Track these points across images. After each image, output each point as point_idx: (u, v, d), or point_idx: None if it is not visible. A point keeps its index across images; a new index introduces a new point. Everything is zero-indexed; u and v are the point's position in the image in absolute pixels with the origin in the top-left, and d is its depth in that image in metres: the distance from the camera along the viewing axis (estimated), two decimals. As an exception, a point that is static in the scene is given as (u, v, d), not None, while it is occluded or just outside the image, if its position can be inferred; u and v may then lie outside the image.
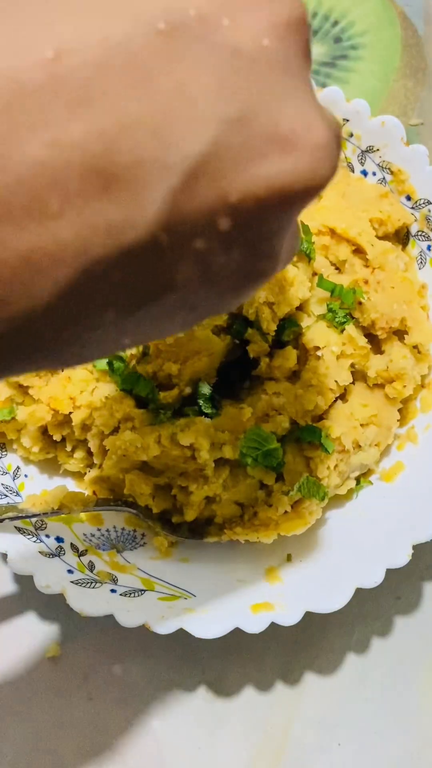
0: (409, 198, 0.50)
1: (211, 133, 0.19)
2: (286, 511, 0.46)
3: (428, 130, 0.60)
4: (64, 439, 0.48)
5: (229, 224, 0.20)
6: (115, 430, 0.46)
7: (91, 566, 0.46)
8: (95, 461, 0.48)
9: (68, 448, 0.48)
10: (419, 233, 0.50)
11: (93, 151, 0.18)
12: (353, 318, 0.48)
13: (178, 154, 0.19)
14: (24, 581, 0.44)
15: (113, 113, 0.18)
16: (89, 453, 0.48)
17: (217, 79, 0.19)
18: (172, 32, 0.19)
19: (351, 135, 0.51)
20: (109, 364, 0.46)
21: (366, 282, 0.48)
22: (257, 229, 0.21)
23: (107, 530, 0.48)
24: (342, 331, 0.47)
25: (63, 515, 0.46)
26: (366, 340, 0.48)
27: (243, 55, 0.20)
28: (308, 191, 0.21)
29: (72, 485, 0.49)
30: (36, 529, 0.46)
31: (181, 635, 0.44)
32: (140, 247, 0.20)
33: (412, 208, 0.50)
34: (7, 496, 0.46)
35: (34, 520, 0.46)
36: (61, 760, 0.48)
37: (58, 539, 0.46)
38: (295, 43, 0.21)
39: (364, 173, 0.51)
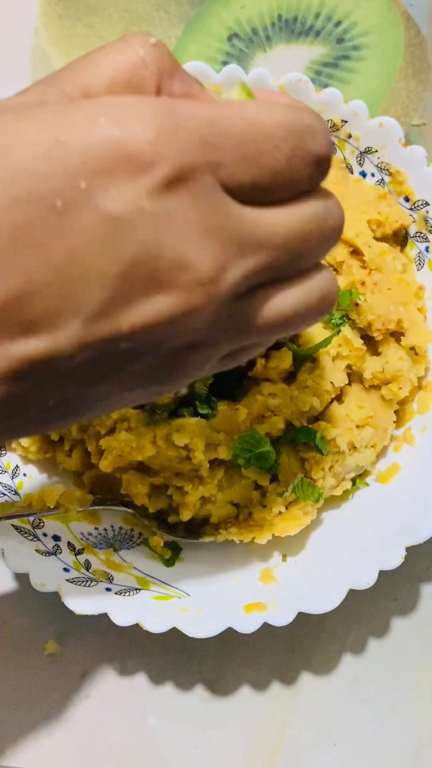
0: (407, 199, 0.50)
1: (98, 289, 0.25)
2: (280, 512, 0.46)
3: (430, 130, 0.60)
4: (62, 439, 0.49)
5: (128, 345, 0.26)
6: (112, 431, 0.46)
7: (87, 565, 0.46)
8: (92, 461, 0.48)
9: (66, 448, 0.49)
10: (417, 234, 0.50)
11: (10, 307, 0.24)
12: (350, 319, 0.48)
13: (78, 306, 0.25)
14: (22, 579, 0.45)
15: (22, 279, 0.24)
16: (86, 453, 0.49)
17: (101, 243, 0.24)
18: (65, 209, 0.24)
19: (350, 136, 0.51)
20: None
21: (363, 283, 0.48)
22: (153, 347, 0.26)
23: (104, 529, 0.49)
24: (338, 332, 0.47)
25: (60, 514, 0.46)
26: (362, 341, 0.48)
27: (124, 219, 0.24)
28: (180, 325, 0.26)
29: (70, 484, 0.50)
30: (33, 528, 0.46)
31: (179, 634, 0.44)
32: (56, 368, 0.26)
33: (411, 209, 0.50)
34: (5, 494, 0.47)
35: (31, 518, 0.46)
36: (59, 758, 0.49)
37: (55, 538, 0.47)
38: (180, 196, 0.25)
39: (363, 174, 0.51)
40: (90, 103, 0.25)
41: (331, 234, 0.29)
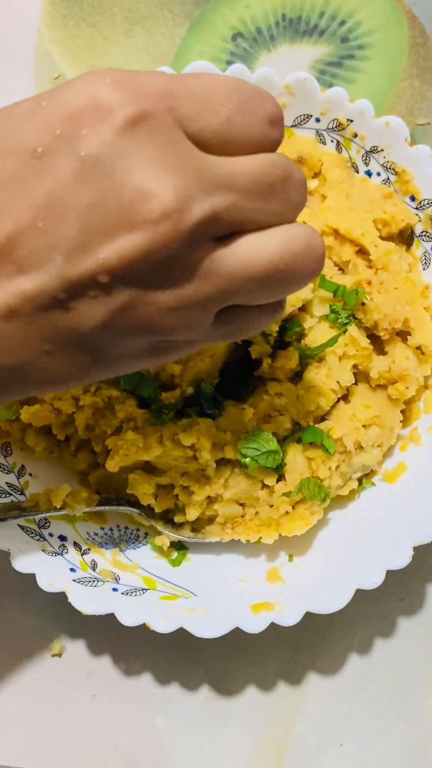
0: (413, 198, 0.50)
1: (73, 221, 0.27)
2: (287, 512, 0.46)
3: (435, 129, 0.60)
4: (67, 439, 0.49)
5: (107, 279, 0.28)
6: (118, 430, 0.46)
7: (94, 565, 0.46)
8: (98, 461, 0.48)
9: (72, 448, 0.49)
10: (423, 233, 0.50)
11: (5, 249, 0.28)
12: (356, 319, 0.48)
13: (59, 241, 0.28)
14: (28, 579, 0.45)
15: (11, 221, 0.28)
16: (92, 452, 0.48)
17: (72, 178, 0.27)
18: (44, 154, 0.28)
19: (355, 135, 0.51)
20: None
21: (369, 283, 0.48)
22: (132, 279, 0.28)
23: (110, 529, 0.49)
24: (344, 331, 0.47)
25: (66, 514, 0.46)
26: (369, 341, 0.48)
27: (91, 156, 0.27)
28: (153, 257, 0.28)
29: (76, 484, 0.49)
30: (39, 528, 0.46)
31: (185, 634, 0.44)
32: (47, 304, 0.28)
33: (417, 208, 0.50)
34: (11, 494, 0.47)
35: (37, 518, 0.46)
36: (65, 757, 0.49)
37: (61, 538, 0.47)
38: (142, 133, 0.27)
39: (369, 174, 0.51)
40: (71, 80, 0.29)
41: (298, 185, 0.31)
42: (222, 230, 0.29)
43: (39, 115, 0.28)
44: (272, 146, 0.30)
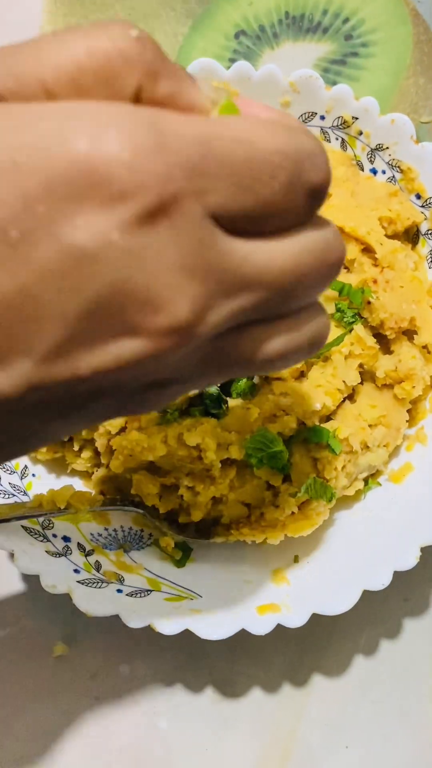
0: (419, 196, 0.50)
1: (54, 328, 0.22)
2: (293, 512, 0.46)
3: (440, 127, 0.60)
4: (71, 439, 0.48)
5: (87, 387, 0.23)
6: (122, 430, 0.46)
7: (98, 566, 0.46)
8: (102, 461, 0.48)
9: (75, 448, 0.48)
10: (429, 232, 0.50)
11: None
12: (362, 318, 0.48)
13: (30, 346, 0.22)
14: (32, 580, 0.44)
15: None
16: (96, 453, 0.48)
17: (60, 279, 0.21)
18: (21, 239, 0.21)
19: (360, 133, 0.50)
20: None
21: (375, 281, 0.48)
22: (117, 388, 0.24)
23: (114, 530, 0.48)
24: (350, 330, 0.47)
25: (70, 514, 0.46)
26: (375, 340, 0.48)
27: (89, 253, 0.21)
28: (146, 365, 0.23)
29: (79, 485, 0.49)
30: (43, 529, 0.46)
31: (189, 636, 0.44)
32: (7, 410, 0.23)
33: (422, 206, 0.50)
34: (14, 495, 0.47)
35: (41, 519, 0.46)
36: (68, 760, 0.48)
37: (65, 539, 0.46)
38: (161, 230, 0.21)
39: (374, 171, 0.51)
40: (53, 110, 0.21)
41: (330, 270, 0.26)
42: (234, 324, 0.24)
43: (11, 178, 0.21)
44: (309, 217, 0.25)
